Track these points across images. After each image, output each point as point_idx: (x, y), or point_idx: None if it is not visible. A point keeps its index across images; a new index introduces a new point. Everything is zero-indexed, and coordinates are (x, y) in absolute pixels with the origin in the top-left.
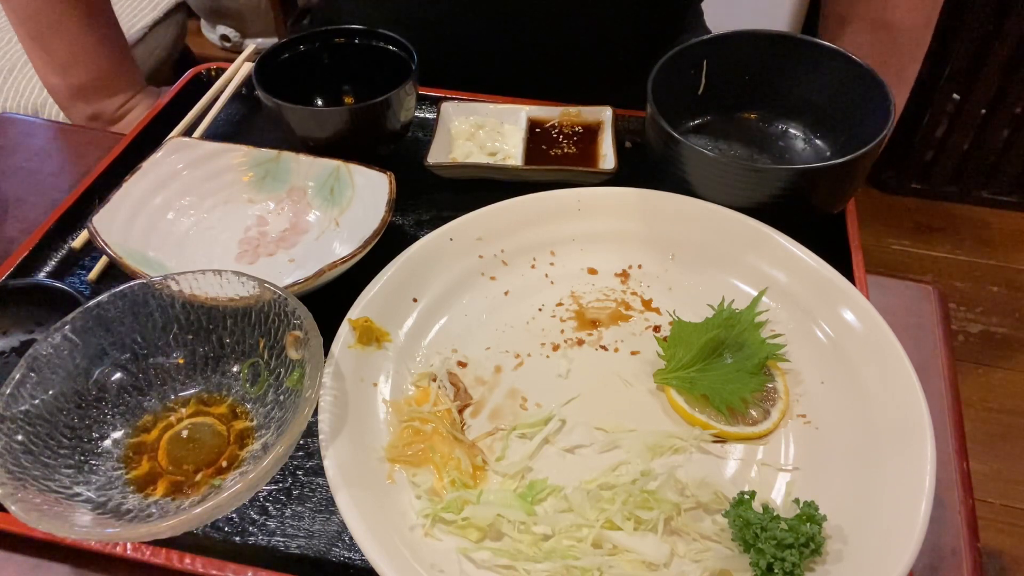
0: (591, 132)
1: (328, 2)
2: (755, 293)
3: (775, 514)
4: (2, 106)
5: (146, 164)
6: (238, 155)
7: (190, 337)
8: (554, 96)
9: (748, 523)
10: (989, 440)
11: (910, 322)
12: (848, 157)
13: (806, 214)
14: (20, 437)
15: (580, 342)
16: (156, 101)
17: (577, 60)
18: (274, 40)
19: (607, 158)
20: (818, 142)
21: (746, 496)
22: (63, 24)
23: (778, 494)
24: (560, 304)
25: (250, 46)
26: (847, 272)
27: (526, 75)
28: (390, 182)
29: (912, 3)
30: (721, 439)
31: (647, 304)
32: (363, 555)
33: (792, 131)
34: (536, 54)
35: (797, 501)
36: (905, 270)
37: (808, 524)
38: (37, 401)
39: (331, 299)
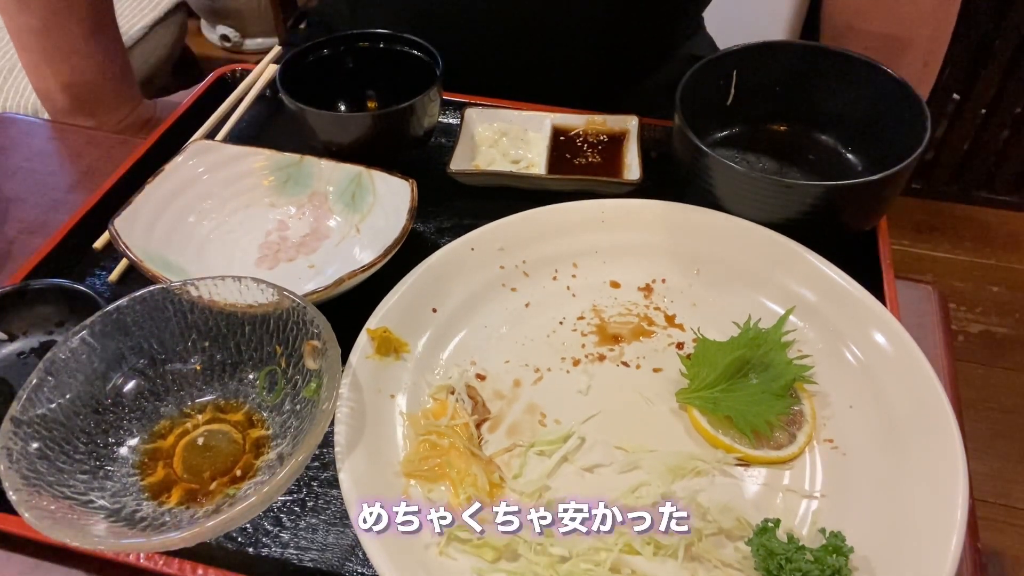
0: (616, 141)
1: (326, 3)
2: (782, 312)
3: (800, 544)
4: (2, 106)
5: (168, 167)
6: (260, 159)
7: (207, 343)
8: (548, 100)
9: (772, 553)
10: (989, 440)
11: (910, 322)
12: (883, 174)
13: (837, 231)
14: (36, 444)
15: (601, 357)
16: (153, 114)
17: (574, 66)
18: (274, 40)
19: (632, 168)
20: (849, 156)
21: (770, 524)
22: (71, 42)
23: (803, 522)
24: (581, 318)
25: (251, 46)
26: (877, 291)
27: (518, 79)
28: (412, 190)
29: (917, 15)
30: (745, 463)
31: (670, 320)
32: (377, 572)
33: (823, 144)
34: (528, 58)
35: (823, 531)
36: (905, 270)
37: (834, 556)
38: (54, 405)
39: (349, 306)
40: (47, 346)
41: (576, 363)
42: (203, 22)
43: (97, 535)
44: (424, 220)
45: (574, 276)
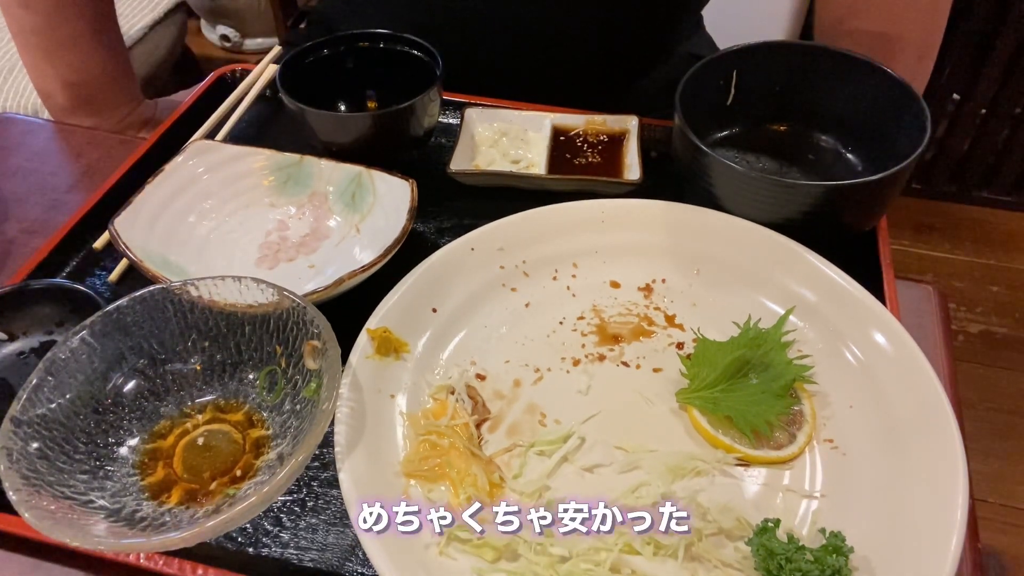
0: (616, 141)
1: (326, 3)
2: (782, 312)
3: (800, 544)
4: (2, 106)
5: (168, 167)
6: (260, 159)
7: (207, 343)
8: (548, 100)
9: (772, 553)
10: (989, 440)
11: (910, 322)
12: (883, 174)
13: (837, 231)
14: (36, 444)
15: (601, 357)
16: (153, 113)
17: (574, 66)
18: (274, 40)
19: (632, 168)
20: (849, 156)
21: (770, 524)
22: (73, 39)
23: (803, 522)
24: (581, 318)
25: (251, 46)
26: (877, 291)
27: (518, 79)
28: (412, 190)
29: (910, 9)
30: (745, 463)
31: (670, 320)
32: (377, 572)
33: (822, 144)
34: (528, 58)
35: (823, 531)
36: (905, 270)
37: (834, 556)
38: (54, 405)
39: (349, 306)
40: (47, 346)
41: (576, 363)
42: (203, 22)
43: (97, 535)
44: (424, 220)
45: (574, 276)
